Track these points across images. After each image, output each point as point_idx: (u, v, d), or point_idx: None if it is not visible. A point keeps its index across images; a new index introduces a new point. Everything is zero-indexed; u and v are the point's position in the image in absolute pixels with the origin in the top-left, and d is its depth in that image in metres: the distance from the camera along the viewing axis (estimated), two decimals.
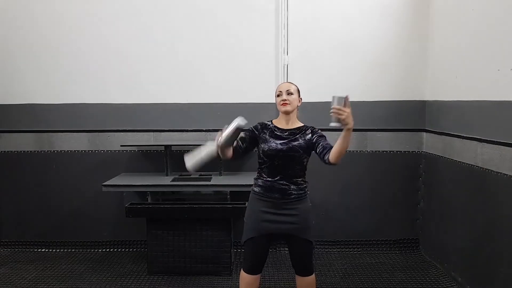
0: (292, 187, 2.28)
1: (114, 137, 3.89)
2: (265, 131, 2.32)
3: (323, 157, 2.18)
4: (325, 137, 2.30)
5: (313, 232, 2.35)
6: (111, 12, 3.75)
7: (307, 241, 2.31)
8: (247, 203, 2.42)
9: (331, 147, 2.16)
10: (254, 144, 2.34)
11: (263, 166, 2.31)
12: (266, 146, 2.26)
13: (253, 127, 2.36)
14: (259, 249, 2.33)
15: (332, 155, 2.11)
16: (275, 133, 2.30)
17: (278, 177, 2.27)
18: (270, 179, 2.28)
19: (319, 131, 2.34)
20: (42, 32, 3.78)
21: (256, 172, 2.39)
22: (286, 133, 2.30)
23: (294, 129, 2.32)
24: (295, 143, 2.26)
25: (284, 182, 2.27)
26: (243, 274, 2.38)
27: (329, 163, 2.16)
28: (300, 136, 2.30)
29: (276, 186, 2.27)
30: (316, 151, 2.27)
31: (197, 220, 3.32)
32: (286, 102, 2.28)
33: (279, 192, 2.27)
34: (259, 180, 2.34)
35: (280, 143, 2.25)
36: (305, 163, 2.32)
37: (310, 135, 2.30)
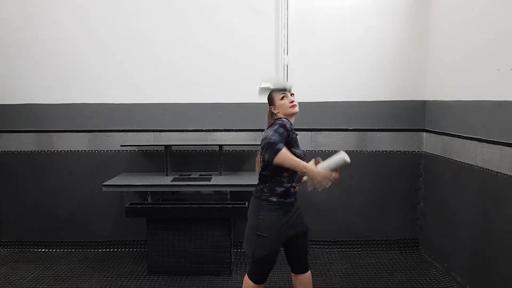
0: (296, 187, 2.32)
1: (114, 137, 3.89)
2: (292, 132, 2.18)
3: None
4: None
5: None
6: (111, 12, 3.75)
7: (306, 232, 2.37)
8: (263, 215, 2.21)
9: None
10: None
11: (285, 173, 2.20)
12: (299, 151, 2.18)
13: (289, 126, 2.14)
14: (275, 261, 2.31)
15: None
16: (295, 136, 2.24)
17: (293, 182, 2.28)
18: (288, 184, 2.24)
19: None
20: (42, 32, 3.78)
21: (271, 180, 2.22)
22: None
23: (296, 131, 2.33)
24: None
25: (295, 185, 2.30)
26: (250, 283, 2.30)
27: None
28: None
29: (292, 190, 2.27)
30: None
31: (197, 220, 3.32)
32: (295, 104, 2.25)
33: (293, 196, 2.28)
34: (277, 189, 2.21)
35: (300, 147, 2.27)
36: None
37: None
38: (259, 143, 2.13)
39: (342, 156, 2.05)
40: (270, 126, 2.19)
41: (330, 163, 2.06)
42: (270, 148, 1.98)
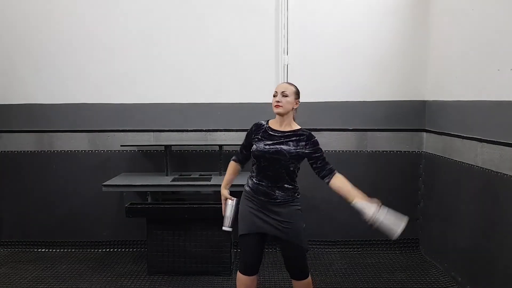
0: (277, 191, 2.27)
1: (114, 137, 3.88)
2: (259, 131, 2.32)
3: (323, 178, 2.24)
4: (322, 151, 2.26)
5: (303, 236, 2.31)
6: (111, 12, 3.74)
7: (296, 245, 2.29)
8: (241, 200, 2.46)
9: (330, 169, 2.23)
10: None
11: (253, 166, 2.36)
12: (255, 147, 2.27)
13: (249, 131, 2.39)
14: (251, 247, 2.32)
15: (334, 187, 2.22)
16: (267, 133, 2.29)
17: (263, 180, 2.28)
18: (256, 180, 2.31)
19: (315, 140, 2.27)
20: (42, 32, 3.78)
21: (251, 171, 2.42)
22: (278, 135, 2.27)
23: (288, 132, 2.27)
24: (284, 146, 2.22)
25: (268, 185, 2.26)
26: (239, 275, 2.37)
27: (328, 185, 2.23)
28: (293, 141, 2.24)
29: (261, 189, 2.28)
30: (312, 167, 2.28)
31: (197, 220, 3.32)
32: (278, 104, 2.25)
33: (263, 195, 2.28)
34: (249, 180, 2.38)
35: (268, 145, 2.24)
36: (292, 169, 2.26)
37: (304, 143, 2.23)
38: None
39: (395, 230, 2.02)
40: None
41: (386, 220, 2.08)
42: None
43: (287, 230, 2.27)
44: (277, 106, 2.25)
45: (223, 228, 2.39)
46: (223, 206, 2.43)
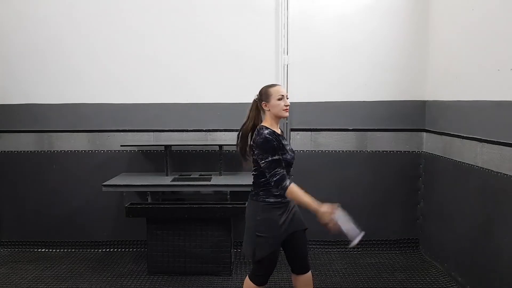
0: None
1: (114, 137, 3.89)
2: (279, 140, 2.22)
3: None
4: None
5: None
6: (111, 12, 3.75)
7: (304, 230, 2.38)
8: (261, 215, 2.24)
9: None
10: None
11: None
12: (289, 156, 2.24)
13: (274, 143, 2.17)
14: (275, 261, 2.30)
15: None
16: (282, 140, 2.25)
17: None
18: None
19: None
20: (42, 32, 3.78)
21: (266, 185, 2.23)
22: (285, 139, 2.35)
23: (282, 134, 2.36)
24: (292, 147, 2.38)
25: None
26: (253, 286, 2.30)
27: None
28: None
29: None
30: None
31: (197, 220, 3.32)
32: (288, 108, 2.27)
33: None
34: (274, 190, 2.22)
35: (291, 150, 2.31)
36: None
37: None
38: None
39: (355, 237, 2.09)
40: (256, 132, 2.24)
41: (345, 225, 2.13)
42: (277, 182, 2.12)
43: (300, 218, 2.35)
44: (287, 110, 2.26)
45: (355, 242, 2.08)
46: (332, 224, 2.14)
